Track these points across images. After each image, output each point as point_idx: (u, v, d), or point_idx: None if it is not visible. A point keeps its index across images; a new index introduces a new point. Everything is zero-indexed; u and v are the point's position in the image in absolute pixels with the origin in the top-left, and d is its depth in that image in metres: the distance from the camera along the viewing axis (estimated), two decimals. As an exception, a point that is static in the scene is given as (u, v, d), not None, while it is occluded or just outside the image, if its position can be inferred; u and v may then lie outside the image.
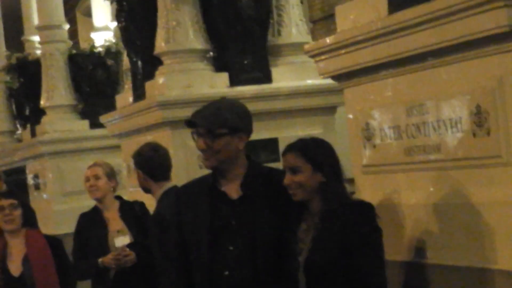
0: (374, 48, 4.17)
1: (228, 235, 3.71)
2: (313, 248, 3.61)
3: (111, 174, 5.81)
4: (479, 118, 3.69)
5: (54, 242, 5.42)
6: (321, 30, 12.44)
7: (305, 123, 6.92)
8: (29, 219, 5.38)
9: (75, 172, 9.53)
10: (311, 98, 6.90)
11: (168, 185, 5.09)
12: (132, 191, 7.32)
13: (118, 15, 7.41)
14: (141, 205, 5.76)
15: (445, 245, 3.84)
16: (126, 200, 5.88)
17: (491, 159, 3.65)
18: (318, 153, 3.67)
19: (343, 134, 7.05)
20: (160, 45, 6.73)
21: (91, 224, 5.67)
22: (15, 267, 5.23)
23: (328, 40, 4.50)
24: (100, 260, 5.44)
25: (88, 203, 7.78)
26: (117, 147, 9.09)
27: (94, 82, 9.88)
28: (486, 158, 3.67)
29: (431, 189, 3.98)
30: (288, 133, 6.77)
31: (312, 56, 4.65)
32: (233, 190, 3.76)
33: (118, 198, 5.85)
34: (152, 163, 5.10)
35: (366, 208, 3.63)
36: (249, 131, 3.83)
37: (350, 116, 4.55)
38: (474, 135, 3.73)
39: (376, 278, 3.54)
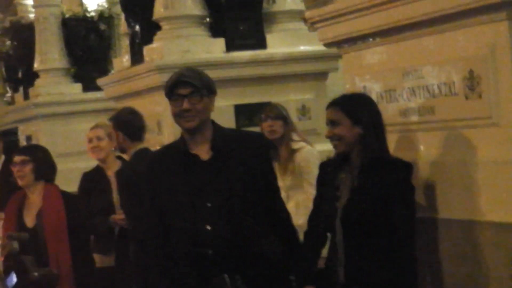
0: (373, 16, 4.43)
1: (205, 194, 3.90)
2: (352, 199, 3.91)
3: (111, 135, 6.04)
4: (472, 82, 3.98)
5: (71, 198, 5.64)
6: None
7: (297, 88, 7.19)
8: (44, 174, 5.60)
9: (68, 134, 9.77)
10: (303, 64, 7.16)
11: (140, 145, 5.47)
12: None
13: (117, -19, 7.61)
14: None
15: (441, 200, 4.14)
16: (127, 160, 6.11)
17: (482, 120, 3.94)
18: (357, 107, 3.97)
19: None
20: (159, 10, 6.96)
21: (95, 183, 5.91)
22: (30, 219, 5.49)
23: (328, 7, 4.76)
24: (111, 217, 5.71)
25: (79, 164, 8.05)
26: (108, 110, 9.33)
27: (87, 47, 10.04)
28: (478, 119, 3.97)
29: (425, 148, 4.27)
30: (281, 97, 7.05)
31: (313, 23, 4.91)
32: (203, 152, 3.95)
33: (120, 158, 6.08)
34: (131, 124, 5.50)
35: (405, 167, 3.94)
36: (216, 95, 4.06)
37: (348, 80, 4.83)
38: (466, 97, 4.02)
39: (408, 233, 3.87)
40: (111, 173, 5.92)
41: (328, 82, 7.39)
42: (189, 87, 3.89)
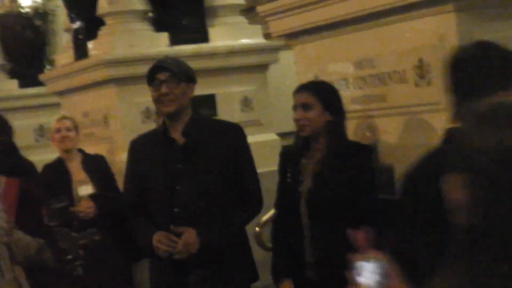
0: (324, 9, 4.66)
1: (176, 177, 4.18)
2: (316, 183, 4.10)
3: (77, 127, 6.16)
4: (421, 71, 4.24)
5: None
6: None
7: (240, 80, 7.37)
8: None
9: (6, 130, 9.73)
10: (245, 57, 7.34)
11: None
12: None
13: (58, -23, 7.67)
14: (102, 158, 6.15)
15: (397, 183, 4.38)
16: (88, 153, 6.21)
17: (432, 105, 4.21)
18: (328, 93, 4.16)
19: (275, 90, 7.61)
20: (103, 6, 7.05)
21: (55, 174, 6.00)
22: None
23: (280, 1, 4.96)
24: (71, 210, 5.79)
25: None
26: (46, 106, 9.42)
27: (22, 43, 10.02)
28: (428, 105, 4.23)
29: (379, 134, 4.52)
30: (224, 89, 7.26)
31: (265, 16, 5.11)
32: (180, 137, 4.22)
33: (80, 151, 6.18)
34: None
35: (367, 150, 4.18)
36: (195, 83, 4.32)
37: (300, 70, 5.04)
38: (416, 85, 4.28)
39: (373, 212, 4.08)
40: (71, 165, 6.02)
41: (269, 74, 7.61)
42: (167, 72, 4.13)
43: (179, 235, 4.12)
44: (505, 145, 1.58)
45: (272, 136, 7.25)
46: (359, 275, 1.99)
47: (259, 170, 4.52)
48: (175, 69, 4.17)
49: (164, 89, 4.14)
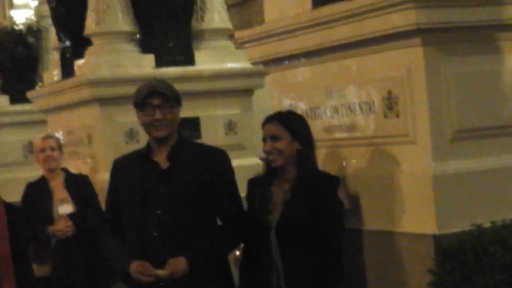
0: (298, 38, 4.72)
1: (157, 200, 4.11)
2: (285, 212, 4.10)
3: (61, 146, 6.20)
4: (390, 102, 4.28)
5: (11, 209, 5.69)
6: (234, 16, 12.93)
7: (225, 104, 7.43)
8: None
9: (-4, 145, 9.81)
10: (230, 81, 7.40)
11: None
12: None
13: (48, -4, 7.74)
14: (85, 177, 6.18)
15: (365, 212, 4.42)
16: (71, 172, 6.24)
17: (399, 137, 4.25)
18: (295, 123, 4.19)
19: (260, 115, 7.64)
20: (91, 26, 7.12)
21: (37, 193, 6.03)
22: None
23: (257, 29, 5.03)
24: (50, 228, 5.85)
25: (7, 176, 8.10)
26: (35, 122, 9.47)
27: (14, 59, 10.12)
28: (396, 137, 4.27)
29: (349, 163, 4.56)
30: (209, 112, 7.31)
31: (242, 43, 5.17)
32: (164, 160, 4.17)
33: (64, 170, 6.22)
34: None
35: (334, 181, 4.20)
36: (181, 106, 4.26)
37: (275, 97, 5.09)
38: (385, 116, 4.32)
39: (337, 242, 4.11)
40: (54, 184, 6.05)
41: (254, 98, 7.66)
42: (161, 97, 4.09)
43: (161, 265, 4.05)
44: None
45: (255, 161, 7.27)
46: None
47: (243, 194, 4.44)
48: (169, 94, 4.13)
49: (158, 114, 4.08)
